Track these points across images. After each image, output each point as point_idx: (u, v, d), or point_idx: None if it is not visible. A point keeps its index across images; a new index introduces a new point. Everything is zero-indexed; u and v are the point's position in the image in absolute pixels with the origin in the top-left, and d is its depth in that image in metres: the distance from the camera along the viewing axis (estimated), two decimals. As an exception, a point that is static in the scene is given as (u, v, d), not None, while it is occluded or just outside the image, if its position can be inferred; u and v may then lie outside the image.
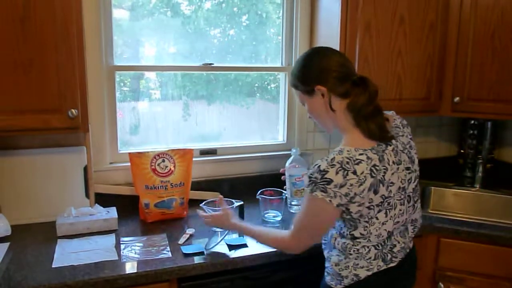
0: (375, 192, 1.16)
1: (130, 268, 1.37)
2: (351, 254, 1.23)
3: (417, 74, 2.03)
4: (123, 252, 1.48)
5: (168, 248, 1.52)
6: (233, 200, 1.70)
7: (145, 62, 1.97)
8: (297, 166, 1.70)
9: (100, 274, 1.32)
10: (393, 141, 1.24)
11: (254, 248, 1.52)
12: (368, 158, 1.16)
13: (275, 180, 1.79)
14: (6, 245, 1.51)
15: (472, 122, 2.37)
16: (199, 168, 2.04)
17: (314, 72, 1.27)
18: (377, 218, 1.20)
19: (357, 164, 1.14)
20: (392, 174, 1.20)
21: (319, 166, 1.15)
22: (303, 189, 1.76)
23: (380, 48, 1.93)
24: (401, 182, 1.23)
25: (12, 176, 1.69)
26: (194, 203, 1.85)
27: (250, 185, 2.10)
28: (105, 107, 1.88)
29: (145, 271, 1.36)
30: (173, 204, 1.81)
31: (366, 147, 1.18)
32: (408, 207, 1.28)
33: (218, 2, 2.04)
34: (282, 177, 1.77)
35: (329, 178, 1.14)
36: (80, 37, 1.47)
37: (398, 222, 1.24)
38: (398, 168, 1.22)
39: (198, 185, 2.02)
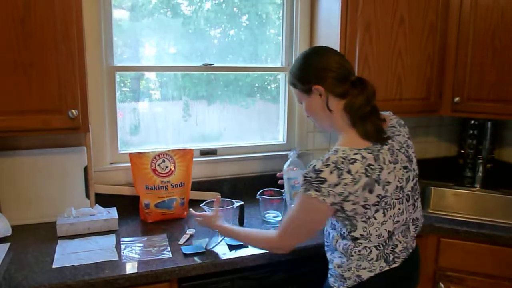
0: (370, 191, 1.16)
1: (131, 268, 1.37)
2: (352, 256, 1.23)
3: (417, 74, 2.03)
4: (123, 252, 1.48)
5: (169, 248, 1.52)
6: (233, 200, 1.70)
7: (145, 63, 1.97)
8: (294, 168, 1.69)
9: (100, 275, 1.32)
10: (389, 140, 1.25)
11: (254, 248, 1.52)
12: (363, 157, 1.16)
13: (275, 180, 1.79)
14: (6, 246, 1.51)
15: (472, 122, 2.37)
16: (199, 168, 2.04)
17: (313, 71, 1.28)
18: (375, 218, 1.20)
19: (352, 163, 1.15)
20: (389, 173, 1.20)
21: (314, 166, 1.16)
22: None
23: (380, 48, 1.93)
24: (398, 181, 1.23)
25: (13, 177, 1.69)
26: (195, 203, 1.85)
27: (250, 185, 2.11)
28: (105, 107, 1.88)
29: (146, 271, 1.36)
30: (174, 204, 1.81)
31: (361, 147, 1.19)
32: (408, 206, 1.28)
33: (218, 2, 2.04)
34: (279, 181, 1.77)
35: (323, 178, 1.14)
36: (80, 37, 1.47)
37: (398, 221, 1.24)
38: (394, 167, 1.22)
39: (198, 185, 2.02)
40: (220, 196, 1.64)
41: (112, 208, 1.77)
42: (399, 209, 1.24)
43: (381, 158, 1.19)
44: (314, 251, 1.54)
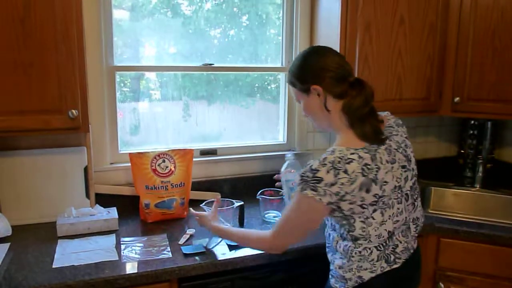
0: (367, 191, 1.16)
1: (131, 268, 1.37)
2: (353, 257, 1.23)
3: (417, 74, 2.03)
4: (123, 252, 1.48)
5: (169, 248, 1.52)
6: (233, 200, 1.71)
7: (145, 63, 1.97)
8: (292, 171, 1.69)
9: (100, 275, 1.32)
10: (387, 140, 1.25)
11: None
12: (359, 157, 1.16)
13: (275, 180, 1.79)
14: (6, 246, 1.51)
15: (472, 122, 2.37)
16: (199, 168, 2.04)
17: (311, 71, 1.28)
18: (373, 218, 1.19)
19: (348, 163, 1.15)
20: (386, 173, 1.20)
21: (311, 165, 1.17)
22: None
23: (380, 48, 1.93)
24: (396, 180, 1.23)
25: (13, 177, 1.69)
26: (195, 204, 1.85)
27: (250, 185, 2.11)
28: (106, 107, 1.88)
29: (146, 271, 1.36)
30: (174, 204, 1.81)
31: (358, 147, 1.19)
32: (407, 205, 1.28)
33: (218, 2, 2.04)
34: (277, 184, 1.77)
35: (319, 177, 1.14)
36: (80, 37, 1.47)
37: (397, 221, 1.24)
38: (392, 167, 1.22)
39: (198, 185, 2.02)
40: (220, 197, 1.64)
41: (112, 208, 1.77)
42: (398, 208, 1.24)
43: (378, 158, 1.19)
44: (314, 251, 1.54)
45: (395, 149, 1.25)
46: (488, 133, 2.32)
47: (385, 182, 1.19)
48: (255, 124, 2.24)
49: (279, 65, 2.21)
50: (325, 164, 1.15)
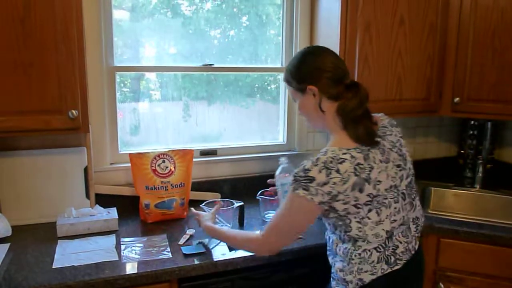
0: (361, 191, 1.17)
1: (131, 268, 1.37)
2: (353, 259, 1.22)
3: (417, 74, 2.03)
4: (123, 253, 1.48)
5: (169, 249, 1.52)
6: (233, 201, 1.70)
7: (145, 63, 1.97)
8: (286, 175, 1.69)
9: (100, 275, 1.32)
10: (380, 143, 1.25)
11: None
12: (352, 157, 1.16)
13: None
14: (6, 246, 1.51)
15: (472, 122, 2.37)
16: (199, 168, 2.04)
17: (308, 71, 1.28)
18: (369, 218, 1.19)
19: (341, 163, 1.15)
20: (379, 172, 1.20)
21: (304, 165, 1.17)
22: None
23: (380, 49, 1.93)
24: (391, 180, 1.23)
25: (13, 177, 1.69)
26: (195, 204, 1.85)
27: (250, 185, 2.11)
28: (106, 107, 1.88)
29: (146, 271, 1.36)
30: (174, 205, 1.81)
31: (350, 147, 1.19)
32: (404, 204, 1.27)
33: (218, 3, 2.04)
34: (270, 188, 1.76)
35: (311, 176, 1.15)
36: (80, 37, 1.47)
37: (395, 220, 1.24)
38: (386, 166, 1.22)
39: (198, 186, 2.02)
40: (220, 197, 1.64)
41: (112, 208, 1.77)
42: (395, 208, 1.24)
43: (371, 157, 1.19)
44: (314, 251, 1.54)
45: (389, 148, 1.25)
46: (488, 134, 2.33)
47: (379, 181, 1.19)
48: (255, 124, 2.24)
49: (279, 65, 2.21)
50: (318, 164, 1.15)
